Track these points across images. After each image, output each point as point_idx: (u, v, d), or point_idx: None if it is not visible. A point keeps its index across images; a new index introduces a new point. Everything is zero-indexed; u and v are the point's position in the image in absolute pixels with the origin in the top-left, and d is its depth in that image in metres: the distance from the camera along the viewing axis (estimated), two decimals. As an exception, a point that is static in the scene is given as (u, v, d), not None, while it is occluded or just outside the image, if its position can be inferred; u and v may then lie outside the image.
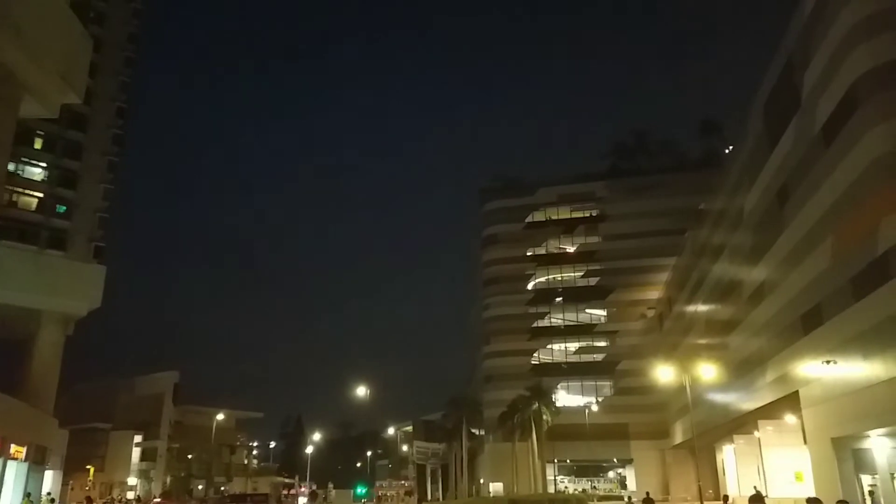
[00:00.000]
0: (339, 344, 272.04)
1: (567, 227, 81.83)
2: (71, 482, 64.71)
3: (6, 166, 25.31)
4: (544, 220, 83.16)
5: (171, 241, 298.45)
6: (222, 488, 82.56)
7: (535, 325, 79.98)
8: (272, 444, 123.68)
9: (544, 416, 63.96)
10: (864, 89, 25.31)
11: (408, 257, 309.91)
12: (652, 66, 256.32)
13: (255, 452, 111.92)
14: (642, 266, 73.74)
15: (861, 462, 29.07)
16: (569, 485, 72.28)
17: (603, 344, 77.76)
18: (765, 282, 36.31)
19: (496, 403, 72.64)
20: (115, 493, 71.78)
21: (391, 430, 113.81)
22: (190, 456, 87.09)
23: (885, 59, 24.61)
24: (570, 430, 67.52)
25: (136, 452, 79.46)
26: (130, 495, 72.78)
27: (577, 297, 79.40)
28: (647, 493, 37.30)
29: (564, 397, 75.82)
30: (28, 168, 50.30)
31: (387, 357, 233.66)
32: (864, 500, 28.23)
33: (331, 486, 76.37)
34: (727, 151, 52.37)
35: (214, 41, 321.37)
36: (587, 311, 79.40)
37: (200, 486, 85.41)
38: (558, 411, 67.04)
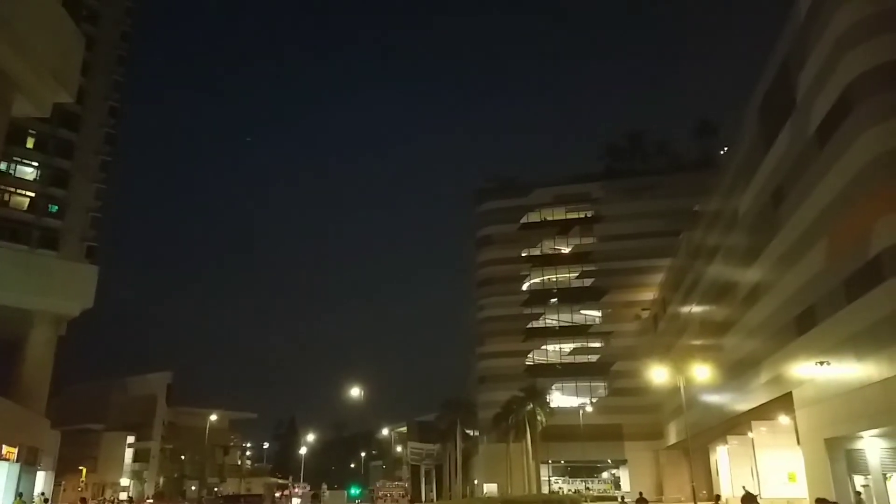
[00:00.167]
0: (334, 344, 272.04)
1: (562, 228, 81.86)
2: (63, 483, 64.31)
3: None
4: (539, 220, 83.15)
5: (165, 242, 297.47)
6: (215, 489, 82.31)
7: (529, 325, 79.96)
8: (266, 445, 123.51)
9: (538, 417, 64.02)
10: (858, 91, 25.36)
11: (405, 258, 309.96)
12: (649, 67, 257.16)
13: (248, 453, 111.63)
14: (637, 267, 73.83)
15: (854, 463, 29.13)
16: (563, 486, 72.26)
17: (597, 345, 77.81)
18: (759, 283, 36.37)
19: (490, 404, 72.64)
20: (108, 495, 71.45)
21: (385, 431, 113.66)
22: (183, 457, 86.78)
23: (881, 61, 24.65)
24: (564, 430, 67.55)
25: (128, 453, 79.02)
26: (123, 496, 72.41)
27: (571, 298, 79.43)
28: (641, 494, 37.30)
29: (559, 398, 75.85)
30: (20, 167, 50.07)
31: (382, 358, 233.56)
32: (856, 500, 28.29)
33: (324, 486, 76.29)
34: (722, 153, 52.52)
35: (214, 41, 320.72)
36: (582, 312, 79.43)
37: (193, 487, 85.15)
38: (552, 412, 67.11)
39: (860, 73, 25.26)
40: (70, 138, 51.87)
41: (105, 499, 68.37)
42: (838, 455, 29.51)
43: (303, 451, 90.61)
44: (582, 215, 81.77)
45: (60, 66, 17.11)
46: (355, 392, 56.31)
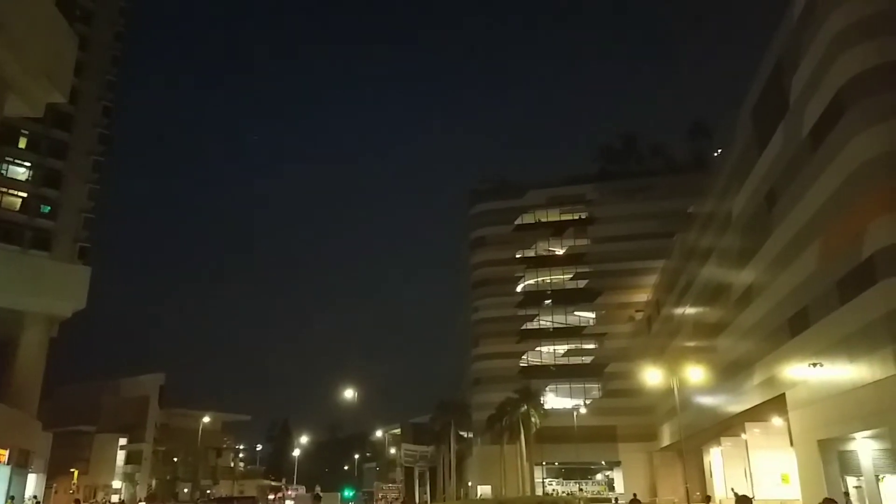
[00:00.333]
0: (329, 346, 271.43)
1: (556, 230, 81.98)
2: (55, 485, 63.98)
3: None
4: (533, 222, 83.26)
5: (162, 243, 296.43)
6: (208, 491, 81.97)
7: (523, 327, 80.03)
8: (259, 447, 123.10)
9: (532, 419, 64.07)
10: (851, 93, 25.50)
11: (404, 258, 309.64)
12: (645, 69, 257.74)
13: (241, 455, 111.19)
14: (631, 269, 74.01)
15: (846, 464, 29.25)
16: (557, 487, 72.34)
17: (591, 346, 77.95)
18: (752, 285, 36.49)
19: (485, 406, 72.65)
20: (100, 497, 71.04)
21: (379, 433, 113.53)
22: (176, 459, 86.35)
23: (873, 63, 24.81)
24: (558, 432, 67.63)
25: (120, 455, 78.57)
26: (115, 499, 72.04)
27: (565, 299, 79.53)
28: (635, 495, 37.32)
29: (553, 400, 75.92)
30: (12, 167, 49.82)
31: (376, 359, 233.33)
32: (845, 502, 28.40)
33: (318, 488, 76.06)
34: (716, 154, 52.68)
35: (213, 40, 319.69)
36: (576, 313, 79.54)
37: (186, 490, 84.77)
38: (546, 414, 67.15)
39: (853, 75, 25.41)
40: (63, 138, 51.61)
41: (97, 501, 67.97)
42: (831, 456, 29.64)
43: (296, 453, 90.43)
44: (576, 217, 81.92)
45: (53, 66, 17.00)
46: (349, 394, 56.22)
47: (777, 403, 34.25)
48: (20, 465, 37.75)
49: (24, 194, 49.44)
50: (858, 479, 28.49)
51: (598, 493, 70.78)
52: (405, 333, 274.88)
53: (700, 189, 50.05)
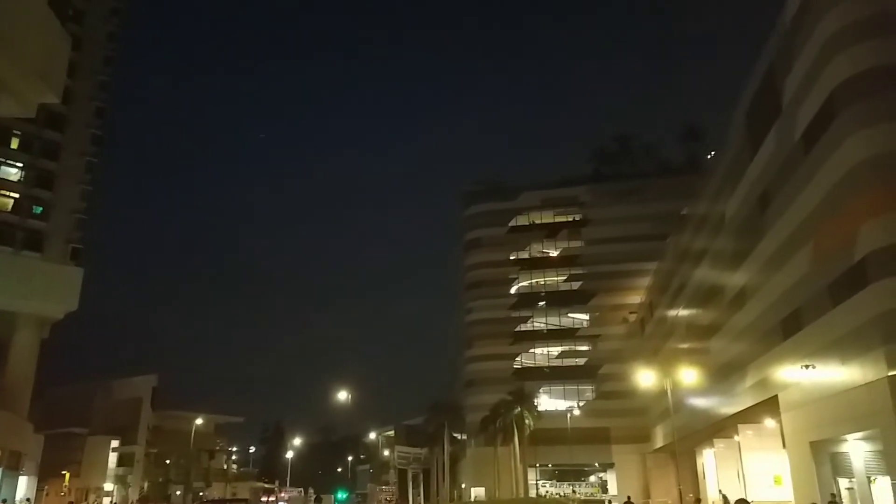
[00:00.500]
0: (322, 347, 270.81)
1: (550, 232, 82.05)
2: (46, 488, 63.64)
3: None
4: (527, 224, 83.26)
5: (158, 243, 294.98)
6: (201, 493, 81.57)
7: (517, 329, 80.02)
8: (252, 449, 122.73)
9: (526, 421, 64.04)
10: (844, 96, 25.61)
11: (402, 259, 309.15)
12: (640, 71, 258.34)
13: (234, 457, 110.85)
14: (624, 270, 74.09)
15: (839, 466, 29.36)
16: (550, 489, 72.35)
17: (585, 348, 78.01)
18: (745, 287, 36.61)
19: (478, 408, 72.57)
20: (92, 499, 70.69)
21: (372, 435, 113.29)
22: (168, 461, 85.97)
23: (865, 66, 24.95)
24: (551, 434, 67.60)
25: (112, 457, 78.19)
26: (107, 501, 71.67)
27: (559, 301, 79.59)
28: (629, 497, 37.50)
29: (546, 401, 75.89)
30: (4, 168, 49.61)
31: (370, 360, 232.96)
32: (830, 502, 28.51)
33: (311, 491, 75.90)
34: (710, 157, 52.87)
35: (212, 39, 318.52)
36: (570, 315, 79.61)
37: (179, 492, 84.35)
38: (540, 415, 67.11)
39: (845, 78, 25.54)
40: (56, 139, 51.41)
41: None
42: (823, 458, 29.75)
43: (289, 455, 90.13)
44: (570, 219, 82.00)
45: (46, 66, 16.89)
46: (343, 396, 56.16)
47: (770, 405, 34.36)
48: (11, 467, 37.54)
49: (17, 195, 49.22)
50: (850, 481, 28.59)
51: (592, 494, 70.80)
52: (400, 335, 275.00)
53: (693, 191, 50.20)
